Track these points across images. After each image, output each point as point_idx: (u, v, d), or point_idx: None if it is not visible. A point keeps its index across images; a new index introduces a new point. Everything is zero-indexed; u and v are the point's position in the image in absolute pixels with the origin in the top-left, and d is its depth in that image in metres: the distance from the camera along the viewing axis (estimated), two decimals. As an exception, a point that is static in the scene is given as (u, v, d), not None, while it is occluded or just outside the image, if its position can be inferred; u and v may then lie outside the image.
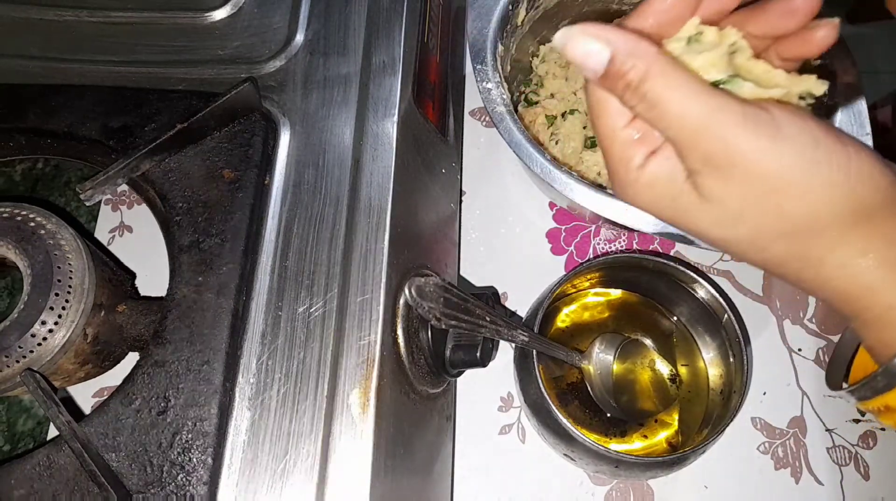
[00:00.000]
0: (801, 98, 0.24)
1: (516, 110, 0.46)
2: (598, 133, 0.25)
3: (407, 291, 0.33)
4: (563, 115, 0.46)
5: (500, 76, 0.41)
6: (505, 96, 0.40)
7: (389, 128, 0.37)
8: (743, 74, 0.24)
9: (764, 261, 0.24)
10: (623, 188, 0.25)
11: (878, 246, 0.22)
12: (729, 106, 0.21)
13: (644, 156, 0.24)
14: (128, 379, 0.32)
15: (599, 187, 0.37)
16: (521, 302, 0.47)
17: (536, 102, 0.48)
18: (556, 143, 0.45)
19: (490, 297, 0.38)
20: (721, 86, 0.23)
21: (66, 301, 0.32)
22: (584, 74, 0.23)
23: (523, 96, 0.49)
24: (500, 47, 0.42)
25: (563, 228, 0.49)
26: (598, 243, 0.49)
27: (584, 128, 0.46)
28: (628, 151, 0.24)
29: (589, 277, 0.44)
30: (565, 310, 0.44)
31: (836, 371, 0.32)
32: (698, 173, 0.23)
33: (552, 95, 0.48)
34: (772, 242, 0.23)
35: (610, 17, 0.49)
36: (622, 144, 0.24)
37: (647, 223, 0.36)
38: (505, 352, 0.44)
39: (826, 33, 0.24)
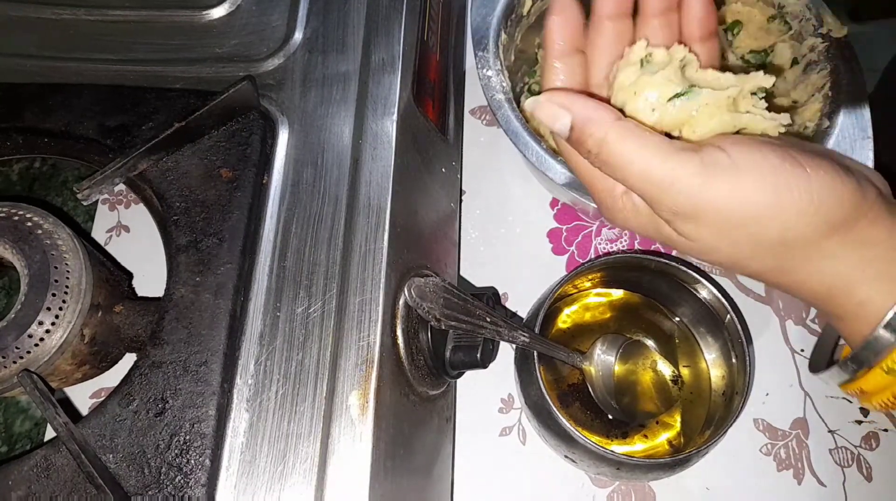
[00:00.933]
0: (753, 93, 0.25)
1: (519, 101, 0.46)
2: (577, 170, 0.27)
3: (406, 291, 0.33)
4: None
5: (501, 65, 0.40)
6: (505, 84, 0.40)
7: (389, 127, 0.37)
8: (698, 83, 0.25)
9: (746, 274, 0.27)
10: (612, 216, 0.28)
11: (847, 252, 0.24)
12: (687, 160, 0.23)
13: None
14: (125, 380, 0.32)
15: None
16: (521, 303, 0.47)
17: (538, 93, 0.47)
18: None
19: (490, 297, 0.37)
20: (682, 97, 0.25)
21: (64, 302, 0.32)
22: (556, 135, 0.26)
23: (527, 87, 0.49)
24: (504, 36, 0.42)
25: (565, 227, 0.49)
26: (600, 243, 0.48)
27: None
28: (608, 181, 0.26)
29: (590, 277, 0.43)
30: (566, 311, 0.44)
31: (819, 358, 0.34)
32: (670, 221, 0.25)
33: None
34: (749, 261, 0.25)
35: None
36: (602, 176, 0.26)
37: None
38: (505, 353, 0.43)
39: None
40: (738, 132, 0.26)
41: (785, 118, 0.25)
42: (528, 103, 0.26)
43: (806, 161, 0.23)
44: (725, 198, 0.23)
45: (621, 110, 0.26)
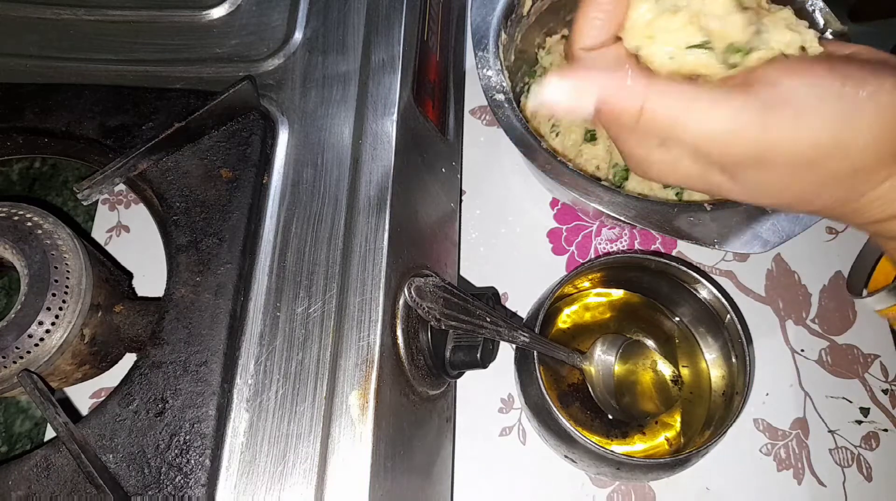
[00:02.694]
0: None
1: (519, 101, 0.46)
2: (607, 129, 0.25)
3: (406, 291, 0.33)
4: None
5: (501, 64, 0.41)
6: (505, 84, 0.40)
7: (389, 127, 0.37)
8: (715, 27, 0.23)
9: (809, 210, 0.25)
10: (646, 168, 0.25)
11: None
12: (743, 107, 0.21)
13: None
14: (125, 380, 0.32)
15: (596, 180, 0.37)
16: (521, 303, 0.47)
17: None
18: (557, 135, 0.45)
19: (490, 297, 0.37)
20: (701, 49, 0.23)
21: (64, 302, 0.32)
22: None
23: (527, 87, 0.49)
24: (504, 36, 0.42)
25: (565, 227, 0.49)
26: (600, 243, 0.48)
27: (585, 121, 0.46)
28: (638, 134, 0.24)
29: (590, 277, 0.43)
30: (566, 311, 0.44)
31: (858, 279, 0.33)
32: (732, 172, 0.23)
33: None
34: (815, 198, 0.24)
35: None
36: (631, 129, 0.23)
37: (643, 219, 0.36)
38: (505, 353, 0.43)
39: None
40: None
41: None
42: (533, 96, 0.23)
43: (864, 78, 0.21)
44: (791, 140, 0.21)
45: (635, 56, 0.24)
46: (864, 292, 0.27)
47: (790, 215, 0.36)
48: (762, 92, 0.21)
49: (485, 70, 0.40)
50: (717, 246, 0.35)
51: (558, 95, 0.22)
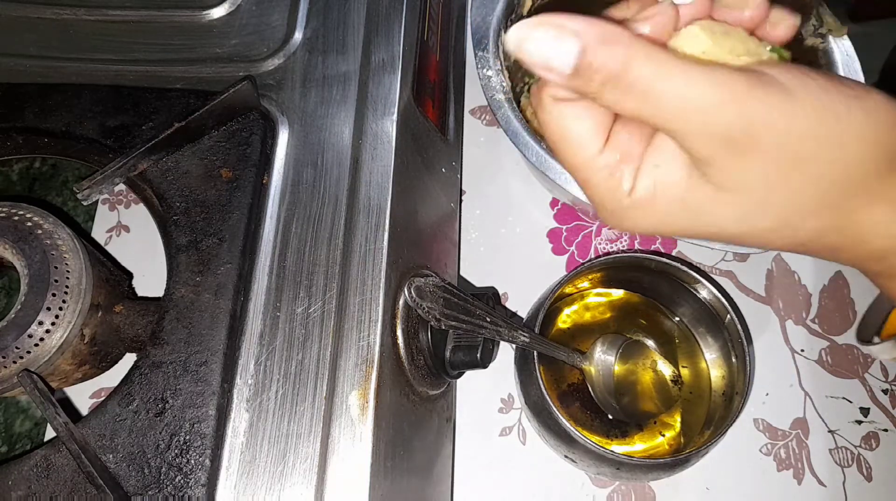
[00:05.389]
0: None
1: (519, 101, 0.45)
2: (571, 167, 0.22)
3: (406, 291, 0.33)
4: None
5: (501, 65, 0.40)
6: (505, 84, 0.40)
7: (389, 127, 0.37)
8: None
9: (794, 244, 0.22)
10: (620, 219, 0.22)
11: None
12: (733, 77, 0.19)
13: (632, 175, 0.21)
14: (125, 380, 0.32)
15: None
16: (521, 302, 0.47)
17: None
18: None
19: (490, 297, 0.37)
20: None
21: (64, 302, 0.32)
22: (548, 77, 0.19)
23: (527, 87, 0.49)
24: (504, 35, 0.42)
25: (565, 227, 0.49)
26: (600, 243, 0.48)
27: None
28: (613, 179, 0.22)
29: (590, 277, 0.43)
30: (566, 311, 0.44)
31: (870, 326, 0.32)
32: (710, 163, 0.20)
33: None
34: (804, 219, 0.21)
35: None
36: (604, 173, 0.22)
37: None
38: (505, 353, 0.43)
39: (784, 30, 0.22)
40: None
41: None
42: (511, 36, 0.19)
43: (856, 87, 0.20)
44: (785, 122, 0.19)
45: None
46: (876, 340, 0.26)
47: None
48: (753, 73, 0.19)
49: (485, 70, 0.40)
50: (718, 247, 0.35)
51: (534, 41, 0.19)
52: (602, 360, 0.39)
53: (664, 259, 0.39)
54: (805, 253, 0.23)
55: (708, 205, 0.21)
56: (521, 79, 0.48)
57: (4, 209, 0.34)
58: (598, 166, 0.22)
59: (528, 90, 0.48)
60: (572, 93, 0.21)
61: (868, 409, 0.43)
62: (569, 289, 0.44)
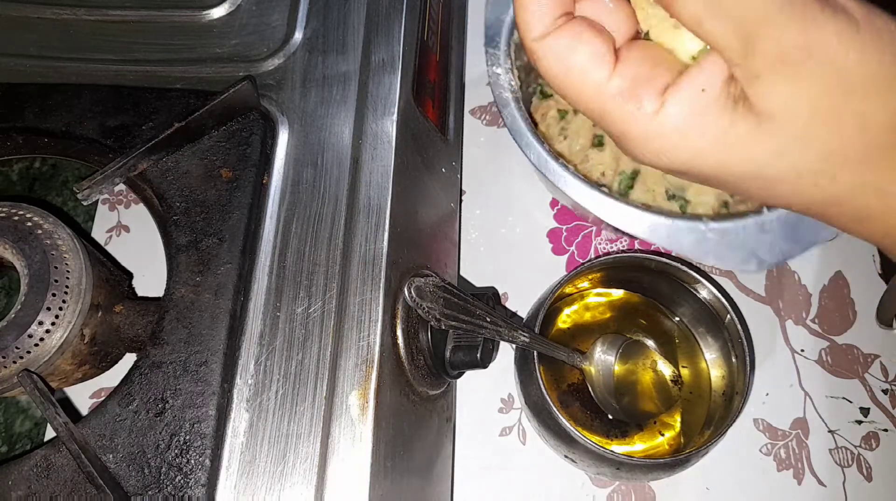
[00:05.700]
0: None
1: (530, 102, 0.45)
2: (584, 104, 0.21)
3: (406, 291, 0.33)
4: (575, 110, 0.46)
5: (511, 63, 0.40)
6: (513, 83, 0.40)
7: (389, 127, 0.37)
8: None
9: (825, 199, 0.20)
10: (645, 145, 0.20)
11: None
12: None
13: (657, 97, 0.20)
14: (125, 380, 0.32)
15: (597, 186, 0.37)
16: (521, 303, 0.47)
17: (550, 96, 0.47)
18: (565, 138, 0.45)
19: (490, 297, 0.37)
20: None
21: (64, 302, 0.32)
22: None
23: (539, 88, 0.49)
24: (517, 35, 0.42)
25: (565, 227, 0.49)
26: (600, 243, 0.48)
27: (594, 125, 0.45)
28: (630, 103, 0.20)
29: (590, 277, 0.43)
30: (566, 311, 0.44)
31: (889, 309, 0.32)
32: (759, 80, 0.18)
33: None
34: (844, 166, 0.19)
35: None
36: (619, 99, 0.20)
37: (640, 229, 0.35)
38: (505, 353, 0.43)
39: None
40: None
41: None
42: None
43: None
44: (845, 51, 0.17)
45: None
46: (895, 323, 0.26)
47: (789, 234, 0.34)
48: None
49: (494, 68, 0.40)
50: (711, 262, 0.34)
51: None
52: (602, 360, 0.39)
53: (664, 259, 0.39)
54: (831, 217, 0.21)
55: (748, 136, 0.19)
56: (534, 79, 0.48)
57: (4, 209, 0.34)
58: (610, 93, 0.20)
59: (540, 91, 0.48)
60: (546, 23, 0.20)
61: (868, 409, 0.43)
62: (569, 289, 0.44)
